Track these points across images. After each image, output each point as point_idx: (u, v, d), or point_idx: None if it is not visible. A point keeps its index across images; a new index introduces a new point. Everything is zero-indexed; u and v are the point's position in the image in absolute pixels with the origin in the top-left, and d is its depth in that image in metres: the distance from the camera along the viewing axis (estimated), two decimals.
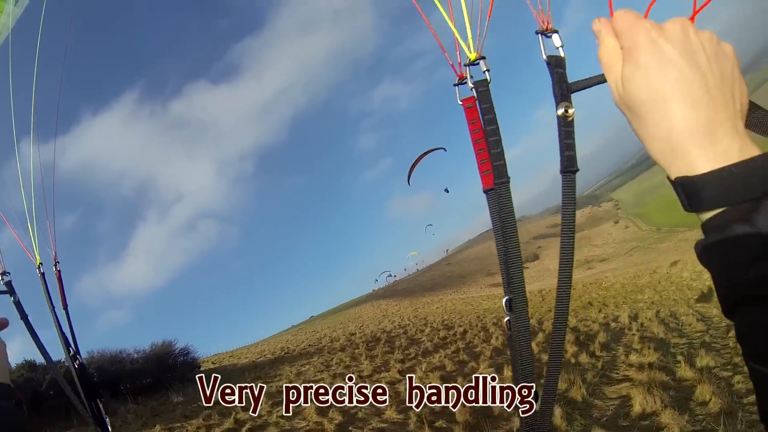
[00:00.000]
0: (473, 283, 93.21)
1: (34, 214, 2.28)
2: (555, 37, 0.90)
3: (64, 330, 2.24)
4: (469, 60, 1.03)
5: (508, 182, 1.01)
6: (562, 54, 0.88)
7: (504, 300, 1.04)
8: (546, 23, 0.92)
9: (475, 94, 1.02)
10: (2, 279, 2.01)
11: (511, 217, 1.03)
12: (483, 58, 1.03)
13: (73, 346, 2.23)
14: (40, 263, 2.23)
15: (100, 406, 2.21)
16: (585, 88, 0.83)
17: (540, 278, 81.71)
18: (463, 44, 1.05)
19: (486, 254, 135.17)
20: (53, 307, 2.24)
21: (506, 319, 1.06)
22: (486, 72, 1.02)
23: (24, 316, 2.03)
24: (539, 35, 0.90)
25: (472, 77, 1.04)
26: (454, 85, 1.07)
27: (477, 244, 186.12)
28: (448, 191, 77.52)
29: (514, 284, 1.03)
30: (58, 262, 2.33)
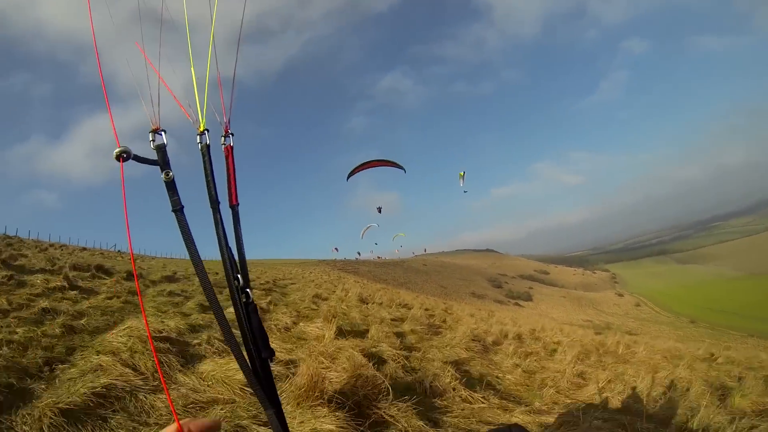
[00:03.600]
0: (458, 299, 72.81)
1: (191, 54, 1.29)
2: None
3: (228, 244, 1.24)
4: None
5: None
6: None
7: None
8: None
9: None
10: (152, 140, 1.14)
11: None
12: None
13: (240, 271, 1.24)
14: (205, 130, 1.26)
15: (270, 367, 1.21)
16: None
17: (540, 321, 63.54)
18: None
19: (467, 271, 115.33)
20: (218, 204, 1.23)
21: None
22: None
23: (179, 207, 1.14)
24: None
25: None
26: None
27: (452, 257, 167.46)
28: (380, 211, 67.97)
29: None
30: (232, 134, 1.31)
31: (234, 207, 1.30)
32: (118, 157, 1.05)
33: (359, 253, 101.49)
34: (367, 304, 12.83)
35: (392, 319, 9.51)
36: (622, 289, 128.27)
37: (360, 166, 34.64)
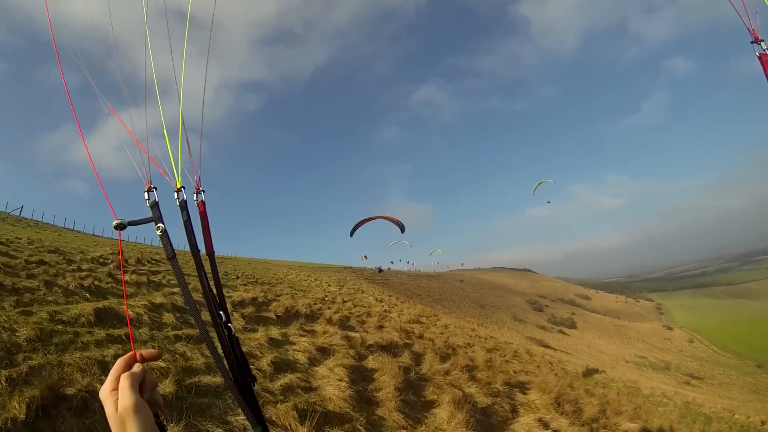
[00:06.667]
0: (500, 322, 68.08)
1: (181, 120, 1.54)
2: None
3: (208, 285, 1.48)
4: None
5: None
6: None
7: None
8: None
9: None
10: (147, 198, 1.34)
11: None
12: None
13: (222, 310, 1.44)
14: (181, 187, 1.46)
15: (254, 389, 1.42)
16: None
17: (592, 355, 57.83)
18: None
19: (504, 290, 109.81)
20: (198, 251, 1.47)
21: None
22: None
23: (172, 255, 1.35)
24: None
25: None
26: (751, 42, 1.46)
27: (489, 274, 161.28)
28: (380, 270, 76.35)
29: None
30: (203, 191, 1.55)
31: (211, 255, 1.53)
32: (116, 228, 1.21)
33: (380, 269, 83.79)
34: None
35: None
36: (669, 321, 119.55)
37: (362, 221, 38.11)
